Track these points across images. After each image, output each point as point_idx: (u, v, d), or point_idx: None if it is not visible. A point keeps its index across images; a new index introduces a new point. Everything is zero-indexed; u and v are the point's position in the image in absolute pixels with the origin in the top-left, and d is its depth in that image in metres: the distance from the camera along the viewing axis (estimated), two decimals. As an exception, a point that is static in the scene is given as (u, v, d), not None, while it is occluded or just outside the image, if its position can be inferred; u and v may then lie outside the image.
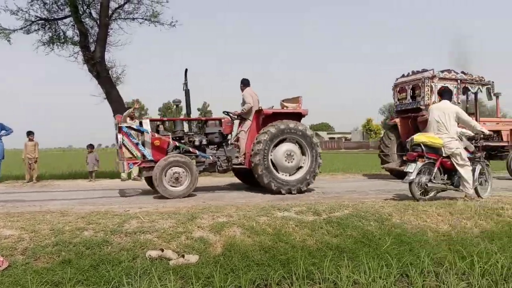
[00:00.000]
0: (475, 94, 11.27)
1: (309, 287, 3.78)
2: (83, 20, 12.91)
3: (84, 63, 12.90)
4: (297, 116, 8.42)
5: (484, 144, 10.25)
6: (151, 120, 8.13)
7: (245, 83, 8.73)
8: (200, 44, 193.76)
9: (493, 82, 11.07)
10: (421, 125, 10.03)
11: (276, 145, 7.99)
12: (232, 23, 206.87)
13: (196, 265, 3.96)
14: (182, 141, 8.04)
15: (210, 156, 8.06)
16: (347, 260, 4.09)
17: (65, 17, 13.25)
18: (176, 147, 7.89)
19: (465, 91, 11.11)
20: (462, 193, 6.60)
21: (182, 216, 4.93)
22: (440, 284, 3.83)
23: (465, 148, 6.66)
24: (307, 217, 5.14)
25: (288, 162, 8.00)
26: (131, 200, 7.38)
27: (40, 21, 12.99)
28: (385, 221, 5.15)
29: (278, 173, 7.96)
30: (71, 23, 13.24)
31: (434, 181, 6.47)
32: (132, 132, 7.80)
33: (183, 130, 8.22)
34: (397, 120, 11.20)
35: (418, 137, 6.57)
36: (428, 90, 10.21)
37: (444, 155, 6.49)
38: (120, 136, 7.65)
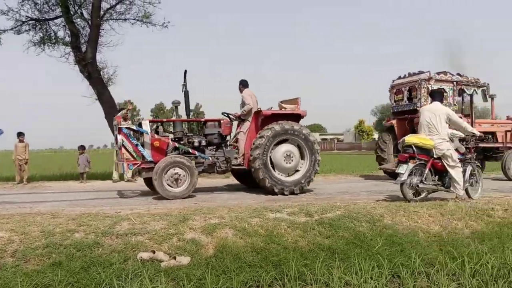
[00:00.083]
0: (471, 96, 11.36)
1: (301, 288, 3.78)
2: (74, 20, 12.78)
3: (75, 63, 12.78)
4: (296, 117, 8.44)
5: (480, 145, 10.40)
6: (151, 121, 8.11)
7: (244, 84, 8.73)
8: (192, 45, 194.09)
9: (488, 84, 11.20)
10: (417, 127, 10.12)
11: (277, 145, 8.03)
12: (224, 24, 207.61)
13: (187, 266, 3.95)
14: (182, 142, 8.02)
15: (209, 157, 8.05)
16: (339, 261, 4.10)
17: (56, 17, 13.14)
18: (176, 148, 7.88)
19: (461, 93, 11.20)
20: (453, 194, 6.65)
21: (173, 218, 4.91)
22: (431, 285, 3.86)
23: (456, 150, 6.72)
24: (299, 218, 5.15)
25: (286, 163, 8.04)
26: (122, 202, 7.33)
27: (31, 22, 12.87)
28: (376, 222, 5.17)
29: (275, 171, 7.99)
30: (62, 24, 13.15)
31: (425, 182, 6.52)
32: (132, 133, 7.78)
33: (183, 131, 8.21)
34: (394, 121, 11.26)
35: (410, 139, 6.62)
36: (425, 92, 10.28)
37: (435, 156, 6.54)
38: (120, 137, 7.63)
